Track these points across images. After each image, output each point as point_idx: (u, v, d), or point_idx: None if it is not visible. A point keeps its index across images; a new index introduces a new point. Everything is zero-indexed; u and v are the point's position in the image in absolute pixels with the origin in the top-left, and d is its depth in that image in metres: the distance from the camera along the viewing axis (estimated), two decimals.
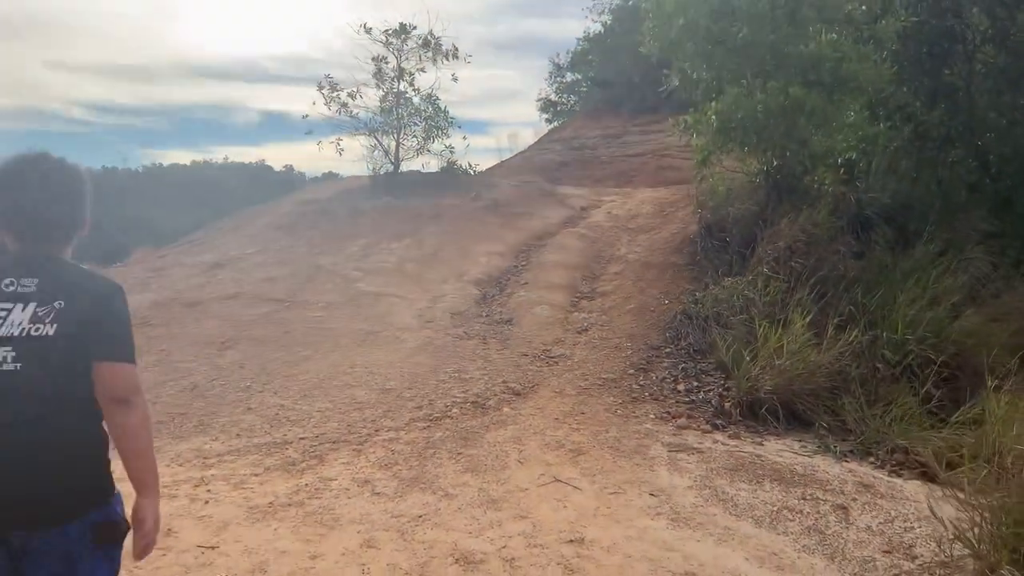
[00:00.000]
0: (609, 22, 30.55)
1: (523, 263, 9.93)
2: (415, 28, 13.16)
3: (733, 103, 7.58)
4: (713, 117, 7.76)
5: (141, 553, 1.89)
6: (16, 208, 1.84)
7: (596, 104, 28.17)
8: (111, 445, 1.86)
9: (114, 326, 1.84)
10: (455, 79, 13.44)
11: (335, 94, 13.29)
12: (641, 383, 6.41)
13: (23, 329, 1.75)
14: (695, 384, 6.40)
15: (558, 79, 31.77)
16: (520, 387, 6.28)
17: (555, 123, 29.78)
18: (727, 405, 5.88)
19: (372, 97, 13.57)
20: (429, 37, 13.16)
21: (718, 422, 5.71)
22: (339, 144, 13.61)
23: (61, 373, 1.76)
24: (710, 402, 6.04)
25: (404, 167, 14.00)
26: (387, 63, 13.31)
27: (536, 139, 27.98)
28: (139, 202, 19.62)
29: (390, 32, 13.20)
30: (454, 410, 5.79)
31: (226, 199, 18.17)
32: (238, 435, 5.29)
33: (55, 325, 1.76)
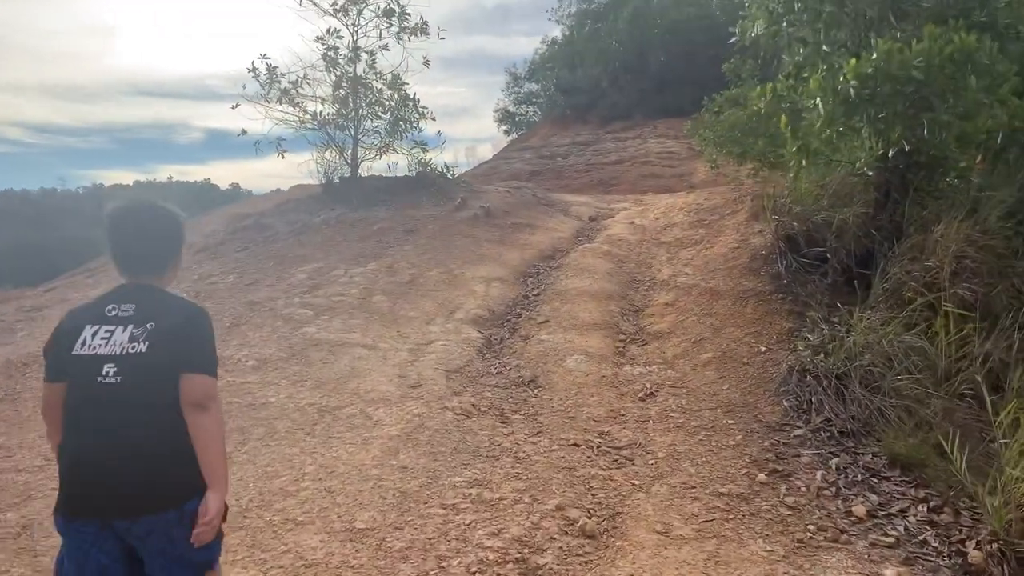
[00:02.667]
0: (572, 27, 29.04)
1: (535, 292, 7.29)
2: None
3: (884, 57, 5.02)
4: (850, 82, 5.16)
5: (197, 537, 2.05)
6: (117, 246, 2.22)
7: (563, 112, 26.66)
8: None
9: (197, 342, 2.13)
10: (427, 62, 10.81)
11: (274, 82, 10.49)
12: (788, 502, 3.81)
13: (123, 348, 2.05)
14: (877, 501, 3.82)
15: (516, 90, 30.68)
16: (592, 522, 3.62)
17: (514, 134, 28.38)
18: (976, 554, 3.30)
19: (323, 85, 10.82)
20: (392, 4, 10.45)
21: None
22: (280, 145, 10.79)
23: (154, 383, 2.05)
24: (928, 542, 3.47)
25: (364, 170, 11.27)
26: (340, 38, 10.59)
27: (498, 149, 26.56)
28: (81, 223, 17.22)
29: (343, 1, 10.46)
30: None
31: None
32: None
33: (147, 343, 2.06)
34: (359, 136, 10.93)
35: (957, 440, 3.78)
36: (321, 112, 10.73)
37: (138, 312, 2.11)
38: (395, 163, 11.09)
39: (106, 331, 2.06)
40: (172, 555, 2.06)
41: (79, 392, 2.05)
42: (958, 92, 5.05)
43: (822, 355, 5.09)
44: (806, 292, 6.18)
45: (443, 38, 10.77)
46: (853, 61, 5.01)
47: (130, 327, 2.07)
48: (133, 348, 2.04)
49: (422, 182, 10.74)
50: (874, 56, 5.00)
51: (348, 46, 10.63)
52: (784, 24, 6.42)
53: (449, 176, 11.06)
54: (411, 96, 10.75)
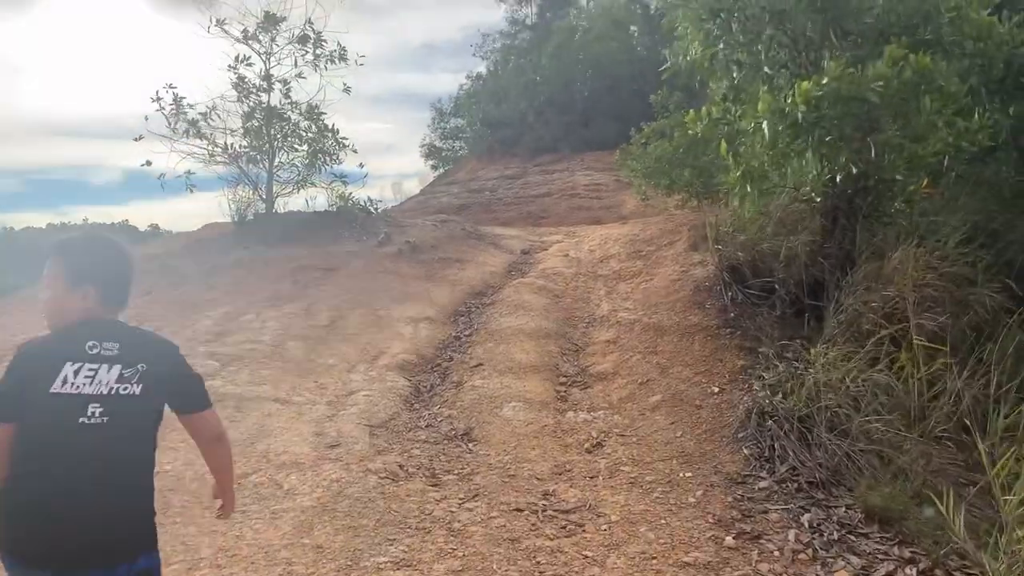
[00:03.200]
0: (496, 63, 29.11)
1: (467, 332, 6.73)
2: (285, 19, 9.83)
3: (837, 79, 4.71)
4: (798, 105, 4.83)
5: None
6: (98, 269, 2.11)
7: (489, 145, 26.60)
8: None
9: (192, 381, 2.14)
10: (347, 90, 10.21)
11: (181, 113, 9.72)
12: (762, 570, 3.33)
13: (111, 388, 1.95)
14: (859, 564, 3.38)
15: (441, 125, 30.53)
16: None
17: (441, 169, 28.29)
18: None
19: (234, 116, 10.10)
20: (307, 30, 9.86)
21: None
22: (189, 180, 9.98)
23: (141, 429, 2.01)
24: None
25: (281, 206, 10.56)
26: (251, 66, 9.91)
27: (426, 184, 26.47)
28: None
29: (254, 27, 9.82)
30: None
31: None
32: None
33: (140, 385, 1.99)
34: (274, 170, 10.24)
35: (940, 490, 3.40)
36: (233, 145, 10.02)
37: (124, 351, 2.02)
38: (314, 198, 10.43)
39: (90, 369, 1.96)
40: None
41: (52, 432, 1.92)
42: (910, 114, 4.80)
43: (781, 395, 4.69)
44: (755, 326, 5.82)
45: (361, 64, 10.21)
46: (804, 84, 4.69)
47: (117, 367, 1.98)
48: (124, 390, 1.97)
49: (343, 217, 10.08)
50: (825, 80, 4.70)
51: (260, 74, 9.97)
52: (721, 46, 6.14)
53: (372, 210, 10.42)
54: (330, 127, 10.15)
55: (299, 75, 10.01)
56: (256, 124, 10.05)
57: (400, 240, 9.02)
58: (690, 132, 6.25)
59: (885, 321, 4.81)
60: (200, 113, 9.78)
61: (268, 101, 10.07)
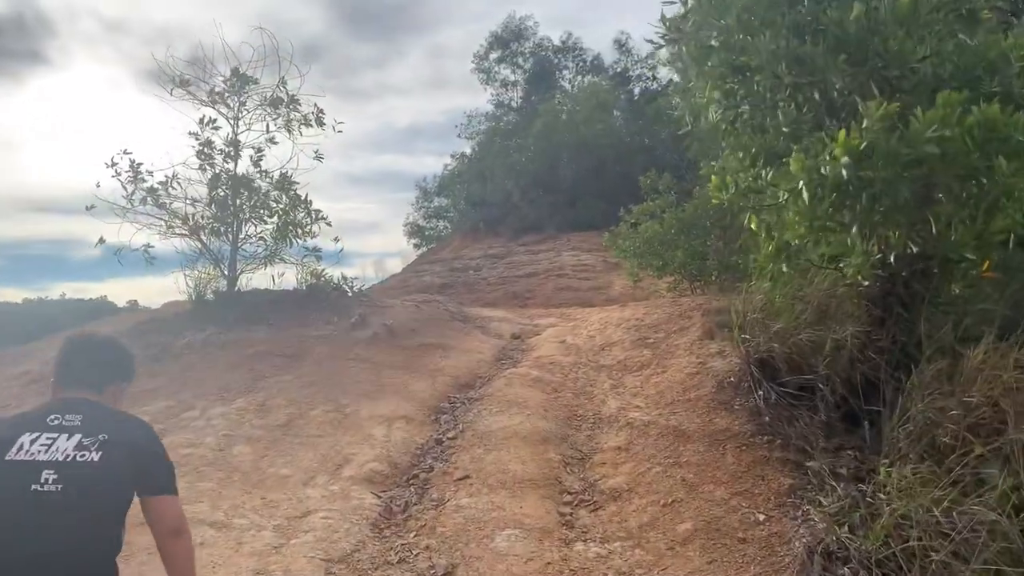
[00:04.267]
0: (481, 143, 29.06)
1: (451, 434, 5.69)
2: (257, 81, 9.09)
3: (879, 125, 3.91)
4: (839, 160, 4.00)
5: None
6: (60, 362, 2.20)
7: (474, 224, 26.43)
8: None
9: (158, 462, 2.06)
10: (319, 157, 9.40)
11: (138, 177, 8.84)
12: None
13: (67, 455, 1.91)
14: None
15: (425, 204, 30.51)
16: None
17: (424, 248, 28.00)
18: None
19: (197, 185, 9.22)
20: (280, 92, 9.10)
21: None
22: (147, 252, 9.00)
23: (101, 501, 1.92)
24: None
25: (245, 283, 9.58)
26: (217, 129, 9.10)
27: (408, 263, 26.09)
28: None
29: (220, 87, 9.06)
30: None
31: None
32: None
33: (100, 453, 1.93)
34: (239, 244, 9.31)
35: None
36: (194, 216, 9.10)
37: (86, 422, 2.00)
38: (282, 274, 9.46)
39: (47, 438, 1.94)
40: None
41: (5, 500, 1.85)
42: (981, 176, 3.99)
43: (847, 528, 3.71)
44: (796, 432, 4.85)
45: (340, 131, 9.41)
46: (842, 133, 3.89)
47: (77, 435, 1.95)
48: (82, 457, 1.92)
49: (314, 297, 9.10)
50: (864, 124, 3.90)
51: (227, 140, 9.15)
52: (744, 107, 5.38)
53: (347, 289, 9.45)
54: (302, 197, 9.31)
55: (271, 140, 9.21)
56: (220, 194, 9.18)
57: (376, 322, 8.04)
58: (715, 201, 5.42)
59: (970, 434, 3.88)
60: (159, 182, 8.91)
61: (235, 168, 9.24)
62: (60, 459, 1.89)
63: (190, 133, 9.07)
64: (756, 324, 5.62)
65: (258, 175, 9.33)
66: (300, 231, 9.38)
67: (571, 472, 5.10)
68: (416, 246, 29.08)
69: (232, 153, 9.31)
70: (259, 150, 9.33)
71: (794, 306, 5.40)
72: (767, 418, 5.09)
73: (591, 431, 5.71)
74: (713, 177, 5.28)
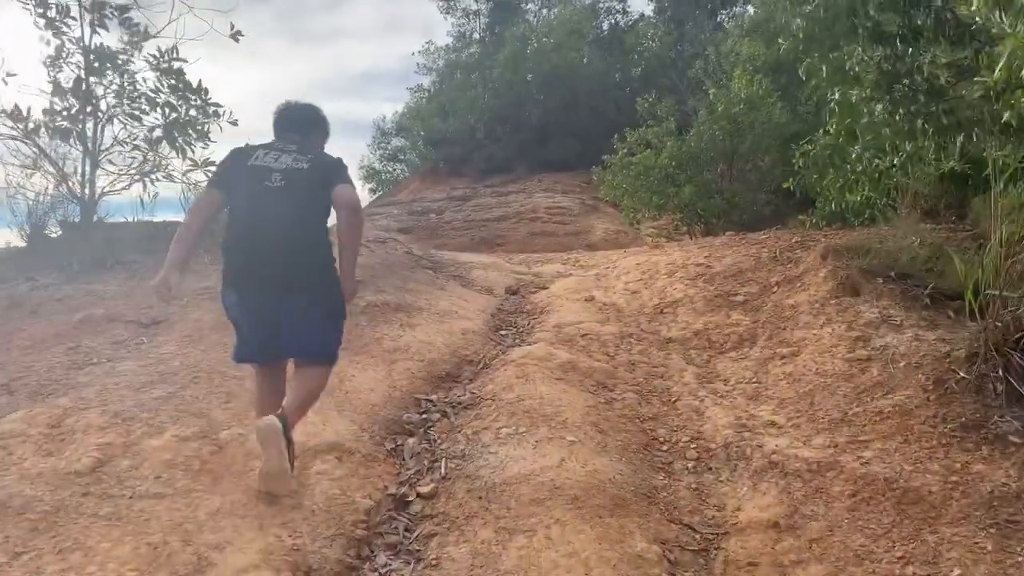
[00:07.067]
0: (441, 77, 26.28)
1: (425, 487, 2.85)
2: None
3: None
4: None
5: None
6: (280, 120, 3.01)
7: (434, 165, 24.05)
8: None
9: (341, 171, 2.86)
10: (237, 35, 6.27)
11: None
12: None
13: (287, 165, 2.79)
14: None
15: (383, 145, 28.37)
16: None
17: (381, 192, 26.12)
18: None
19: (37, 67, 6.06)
20: None
21: None
22: None
23: (308, 193, 2.76)
24: None
25: (110, 211, 6.50)
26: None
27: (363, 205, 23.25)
28: None
29: None
30: None
31: None
32: None
33: (307, 165, 2.80)
34: (99, 152, 6.22)
35: None
36: (29, 110, 5.98)
37: (298, 149, 2.86)
38: (155, 195, 6.35)
39: (275, 155, 2.81)
40: (310, 322, 2.75)
41: (248, 192, 2.76)
42: None
43: None
44: None
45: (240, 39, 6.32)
46: None
47: (294, 153, 2.82)
48: (296, 165, 2.78)
49: (206, 232, 6.09)
50: None
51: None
52: None
53: None
54: (195, 85, 6.24)
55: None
56: (75, 75, 6.06)
57: None
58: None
59: None
60: None
61: (88, 37, 6.08)
62: (283, 167, 2.76)
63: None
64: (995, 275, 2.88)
65: (125, 50, 6.20)
66: (194, 132, 6.30)
67: None
68: (372, 191, 26.72)
69: (94, 19, 6.14)
70: (125, 9, 6.17)
71: None
72: None
73: (696, 475, 2.94)
74: None
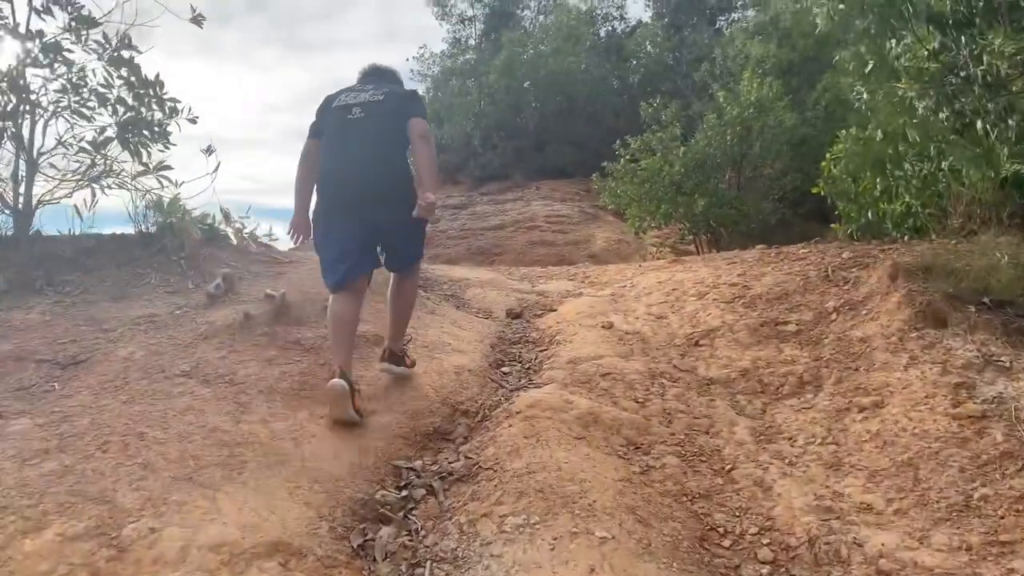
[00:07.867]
0: (436, 83, 25.72)
1: None
2: None
3: None
4: None
5: (420, 212, 3.04)
6: (364, 75, 3.59)
7: None
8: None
9: (417, 103, 3.31)
10: (199, 19, 5.46)
11: None
12: None
13: (365, 99, 3.27)
14: None
15: None
16: None
17: None
18: None
19: None
20: None
21: None
22: None
23: (385, 119, 3.21)
24: None
25: (48, 222, 5.67)
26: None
27: None
28: None
29: None
30: None
31: None
32: None
33: (384, 97, 3.28)
34: (36, 156, 5.39)
35: None
36: None
37: (377, 86, 3.35)
38: (94, 201, 5.49)
39: (355, 93, 3.30)
40: (402, 229, 3.23)
41: (334, 130, 3.26)
42: None
43: None
44: None
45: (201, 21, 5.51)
46: None
47: (371, 89, 3.31)
48: (373, 98, 3.24)
49: (154, 246, 5.17)
50: None
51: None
52: None
53: (219, 230, 5.55)
54: (151, 79, 5.43)
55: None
56: (7, 69, 5.24)
57: (255, 292, 4.22)
58: None
59: None
60: None
61: (26, 22, 5.26)
62: (363, 100, 3.24)
63: None
64: None
65: (71, 38, 5.38)
66: (147, 134, 5.48)
67: None
68: None
69: (39, 1, 5.33)
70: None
71: None
72: None
73: None
74: None
